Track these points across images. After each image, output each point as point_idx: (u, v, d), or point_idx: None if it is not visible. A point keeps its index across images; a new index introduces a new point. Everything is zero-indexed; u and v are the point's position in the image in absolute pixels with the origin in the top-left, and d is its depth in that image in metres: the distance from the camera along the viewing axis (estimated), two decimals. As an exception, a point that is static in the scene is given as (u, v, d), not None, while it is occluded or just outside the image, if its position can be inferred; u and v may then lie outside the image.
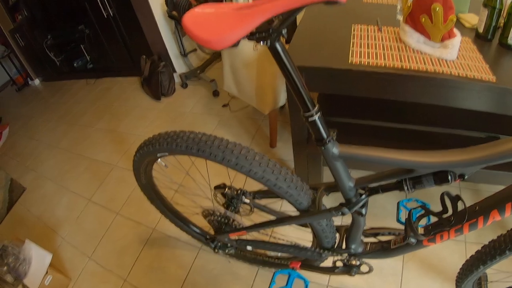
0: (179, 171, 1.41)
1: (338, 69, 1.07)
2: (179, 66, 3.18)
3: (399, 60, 1.03)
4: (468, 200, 0.74)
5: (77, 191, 2.45)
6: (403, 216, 1.02)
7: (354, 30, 1.20)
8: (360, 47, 1.11)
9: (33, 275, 1.64)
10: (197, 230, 1.56)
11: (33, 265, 1.66)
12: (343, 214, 0.89)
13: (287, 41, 1.70)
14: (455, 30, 0.98)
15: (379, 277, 1.39)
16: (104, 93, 3.72)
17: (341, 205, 0.89)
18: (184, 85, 3.15)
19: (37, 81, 4.86)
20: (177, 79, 3.21)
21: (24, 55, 4.65)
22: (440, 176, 0.71)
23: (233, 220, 1.24)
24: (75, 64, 4.24)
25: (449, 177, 0.69)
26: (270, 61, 1.67)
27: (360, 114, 1.46)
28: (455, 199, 0.73)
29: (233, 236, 1.29)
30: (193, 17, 0.63)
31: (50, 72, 4.60)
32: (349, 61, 1.06)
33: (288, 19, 0.59)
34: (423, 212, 0.85)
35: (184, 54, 3.06)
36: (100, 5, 3.19)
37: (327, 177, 1.74)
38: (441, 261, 1.40)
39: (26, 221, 2.39)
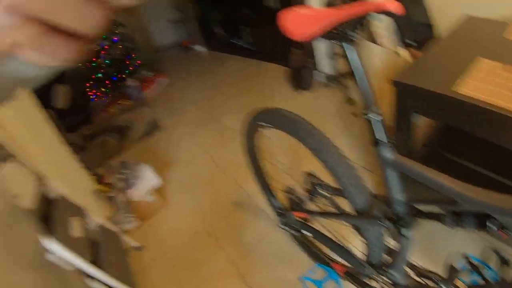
0: (279, 147, 1.58)
1: (439, 94, 1.07)
2: (325, 65, 3.32)
3: (512, 104, 0.97)
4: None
5: (201, 143, 2.93)
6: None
7: (477, 62, 1.15)
8: (476, 80, 1.07)
9: (139, 190, 2.07)
10: (274, 201, 1.71)
11: (142, 183, 2.09)
12: (385, 225, 0.93)
13: (418, 47, 1.71)
14: None
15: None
16: (254, 74, 4.16)
17: (387, 216, 0.93)
18: (324, 85, 3.29)
19: (201, 48, 5.61)
20: (319, 78, 3.36)
21: (195, 23, 5.46)
22: (481, 220, 0.69)
23: (305, 204, 1.36)
24: (236, 42, 4.82)
25: (489, 224, 0.67)
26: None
27: (457, 149, 1.39)
28: (503, 262, 0.69)
29: (298, 216, 1.42)
30: (288, 13, 0.81)
31: (214, 43, 5.31)
32: (456, 89, 1.05)
33: (353, 25, 0.71)
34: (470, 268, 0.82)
35: (331, 56, 3.19)
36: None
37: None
38: None
39: (152, 151, 3.03)
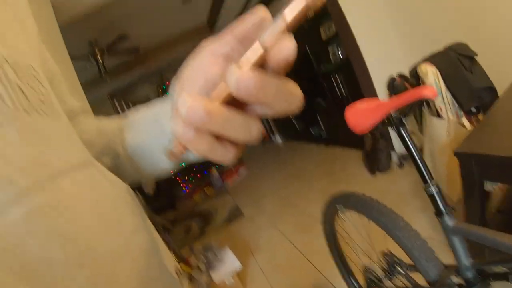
0: (357, 229, 1.63)
1: (504, 158, 1.07)
2: (399, 146, 3.35)
3: None
4: None
5: (282, 230, 3.02)
6: None
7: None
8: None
9: (220, 272, 2.20)
10: (353, 282, 1.72)
11: (223, 266, 2.23)
12: (455, 292, 0.94)
13: (484, 112, 1.72)
14: None
15: None
16: (329, 159, 4.31)
17: (458, 284, 0.94)
18: (400, 165, 3.29)
19: (278, 138, 6.00)
20: (394, 158, 3.38)
21: (271, 115, 5.93)
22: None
23: (383, 282, 1.40)
24: (311, 131, 5.07)
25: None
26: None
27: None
28: None
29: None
30: (352, 108, 0.98)
31: (290, 133, 5.70)
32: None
33: (402, 113, 0.85)
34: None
35: (404, 136, 3.24)
36: (335, 85, 3.92)
37: None
38: None
39: (233, 236, 3.20)
